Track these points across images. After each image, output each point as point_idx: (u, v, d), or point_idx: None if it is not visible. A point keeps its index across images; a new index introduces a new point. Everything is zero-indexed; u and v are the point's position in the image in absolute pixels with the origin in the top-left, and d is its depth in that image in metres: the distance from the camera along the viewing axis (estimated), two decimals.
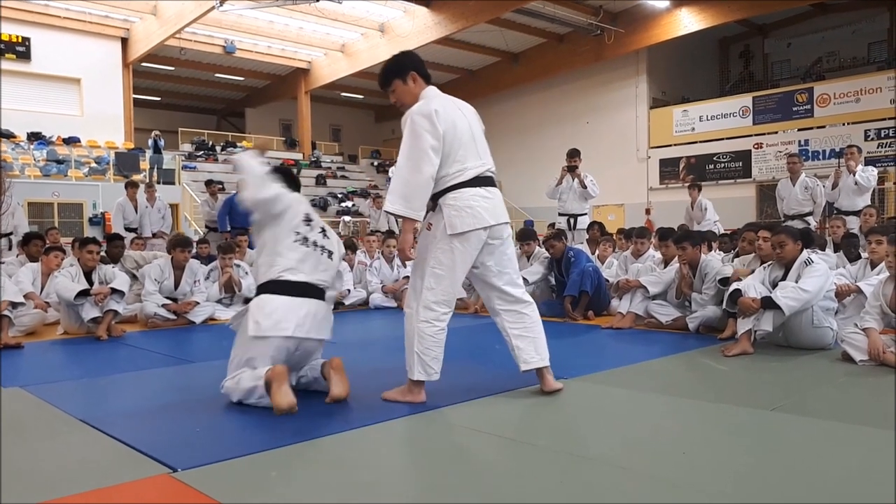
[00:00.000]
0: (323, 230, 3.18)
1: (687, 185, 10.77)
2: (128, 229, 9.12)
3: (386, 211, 2.86)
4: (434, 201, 2.90)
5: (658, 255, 5.77)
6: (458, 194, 2.86)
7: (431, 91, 2.99)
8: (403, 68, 3.00)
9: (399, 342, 4.25)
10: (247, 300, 5.79)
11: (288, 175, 3.30)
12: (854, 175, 7.77)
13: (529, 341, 3.01)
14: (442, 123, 2.81)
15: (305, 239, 3.07)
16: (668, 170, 18.00)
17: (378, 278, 7.22)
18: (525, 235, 6.82)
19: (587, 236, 7.75)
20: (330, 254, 3.15)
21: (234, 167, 3.10)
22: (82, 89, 17.29)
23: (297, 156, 21.65)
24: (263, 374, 2.79)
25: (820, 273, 3.98)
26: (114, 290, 5.26)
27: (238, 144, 21.39)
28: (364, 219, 15.76)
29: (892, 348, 3.56)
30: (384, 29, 17.63)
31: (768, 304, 3.93)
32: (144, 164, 16.18)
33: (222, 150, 20.61)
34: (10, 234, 8.20)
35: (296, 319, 2.91)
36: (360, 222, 14.34)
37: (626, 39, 16.96)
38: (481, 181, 2.92)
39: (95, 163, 15.96)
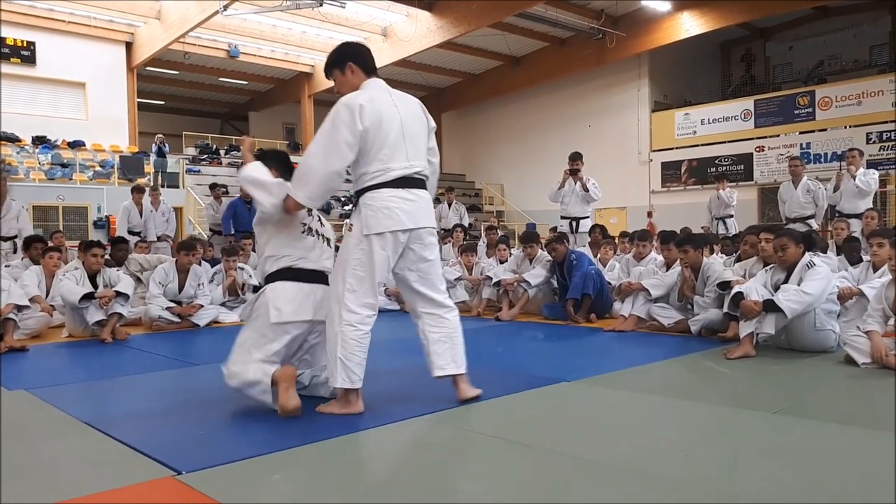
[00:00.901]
0: (319, 218, 3.23)
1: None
2: (132, 233, 9.17)
3: (287, 194, 2.84)
4: (355, 200, 2.87)
5: (660, 257, 5.77)
6: (376, 194, 2.78)
7: (371, 83, 2.90)
8: (342, 59, 2.95)
9: (401, 344, 4.26)
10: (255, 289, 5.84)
11: (284, 161, 3.31)
12: (855, 179, 7.77)
13: (447, 347, 2.90)
14: (366, 119, 2.72)
15: (310, 229, 3.12)
16: (670, 173, 17.99)
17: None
18: (528, 238, 6.83)
19: (589, 239, 7.76)
20: (328, 241, 3.20)
21: (245, 181, 3.05)
22: (87, 93, 17.34)
23: (300, 159, 21.69)
24: (272, 372, 2.80)
25: (822, 276, 3.98)
26: (118, 294, 5.28)
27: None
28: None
29: (895, 351, 3.56)
30: (387, 33, 17.66)
31: (770, 306, 3.93)
32: (149, 168, 16.22)
33: (226, 153, 20.64)
34: (15, 237, 8.24)
35: (313, 304, 2.95)
36: None
37: (627, 43, 16.96)
38: (406, 182, 2.82)
39: (100, 166, 16.00)
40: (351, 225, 2.87)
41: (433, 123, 3.06)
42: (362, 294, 2.79)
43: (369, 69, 2.96)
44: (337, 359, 2.76)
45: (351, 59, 2.94)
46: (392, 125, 2.81)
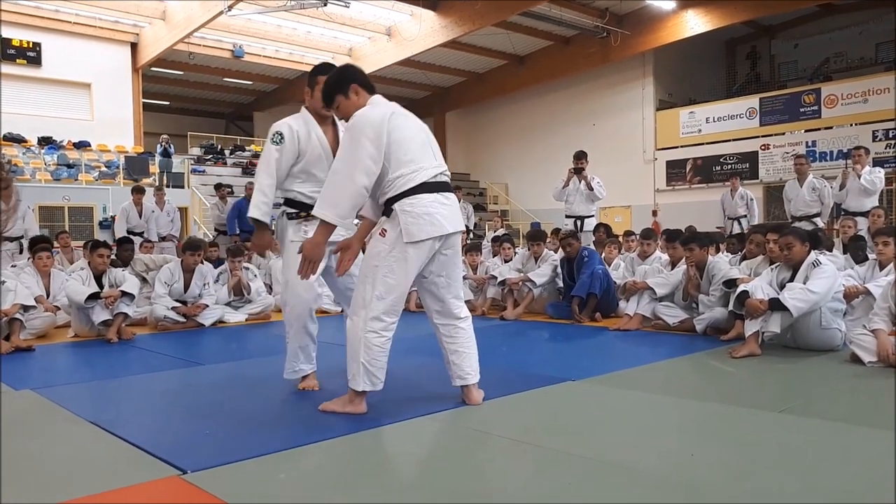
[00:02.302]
0: None
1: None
2: (132, 233, 9.17)
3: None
4: (388, 206, 2.79)
5: (665, 256, 5.76)
6: (415, 200, 2.74)
7: (378, 98, 2.90)
8: (344, 82, 2.89)
9: (406, 343, 4.26)
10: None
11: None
12: (860, 178, 7.73)
13: (465, 357, 2.93)
14: (388, 127, 2.71)
15: None
16: (675, 171, 17.94)
17: None
18: (534, 236, 6.83)
19: (594, 238, 7.75)
20: None
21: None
22: (92, 94, 17.39)
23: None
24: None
25: (828, 274, 3.97)
26: (124, 293, 5.31)
27: (247, 148, 21.49)
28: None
29: None
30: (391, 33, 17.66)
31: (776, 305, 3.92)
32: (154, 168, 16.27)
33: (231, 153, 20.70)
34: (21, 237, 8.28)
35: None
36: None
37: (632, 41, 16.92)
38: (439, 186, 2.82)
39: (105, 167, 16.06)
40: (384, 230, 2.80)
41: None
42: (391, 302, 2.77)
43: (370, 87, 2.94)
44: (360, 363, 2.77)
45: (353, 81, 2.90)
46: (412, 130, 2.82)
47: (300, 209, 3.28)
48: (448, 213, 2.81)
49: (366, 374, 2.77)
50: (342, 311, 3.74)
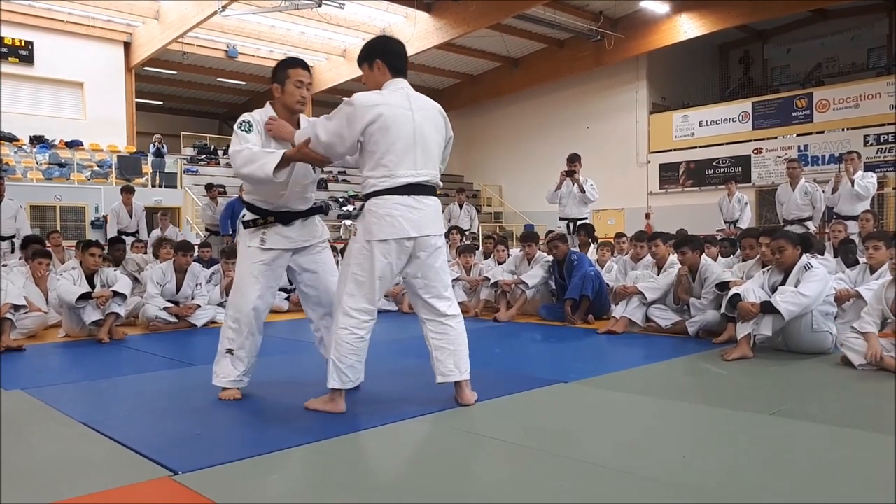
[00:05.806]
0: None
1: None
2: (123, 234, 9.12)
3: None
4: (361, 204, 2.87)
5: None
6: (380, 201, 2.76)
7: (392, 84, 2.84)
8: (371, 54, 2.90)
9: (399, 345, 4.26)
10: None
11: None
12: (853, 184, 7.79)
13: (449, 353, 2.91)
14: (370, 118, 2.71)
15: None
16: (668, 174, 18.02)
17: None
18: (527, 238, 6.83)
19: (578, 240, 7.72)
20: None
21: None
22: (85, 93, 17.32)
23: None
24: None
25: (819, 278, 3.99)
26: (115, 293, 5.28)
27: None
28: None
29: (892, 353, 3.57)
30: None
31: (768, 308, 3.94)
32: (146, 168, 16.21)
33: (224, 153, 20.64)
34: (13, 237, 8.23)
35: None
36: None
37: (626, 45, 17.00)
38: (412, 189, 2.78)
39: (98, 166, 15.98)
40: (356, 229, 2.88)
41: (451, 133, 3.01)
42: (360, 299, 2.80)
43: (397, 69, 2.89)
44: (330, 360, 2.83)
45: (379, 56, 2.88)
46: (402, 131, 2.75)
47: (259, 215, 3.17)
48: (415, 216, 2.78)
49: (335, 372, 2.80)
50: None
